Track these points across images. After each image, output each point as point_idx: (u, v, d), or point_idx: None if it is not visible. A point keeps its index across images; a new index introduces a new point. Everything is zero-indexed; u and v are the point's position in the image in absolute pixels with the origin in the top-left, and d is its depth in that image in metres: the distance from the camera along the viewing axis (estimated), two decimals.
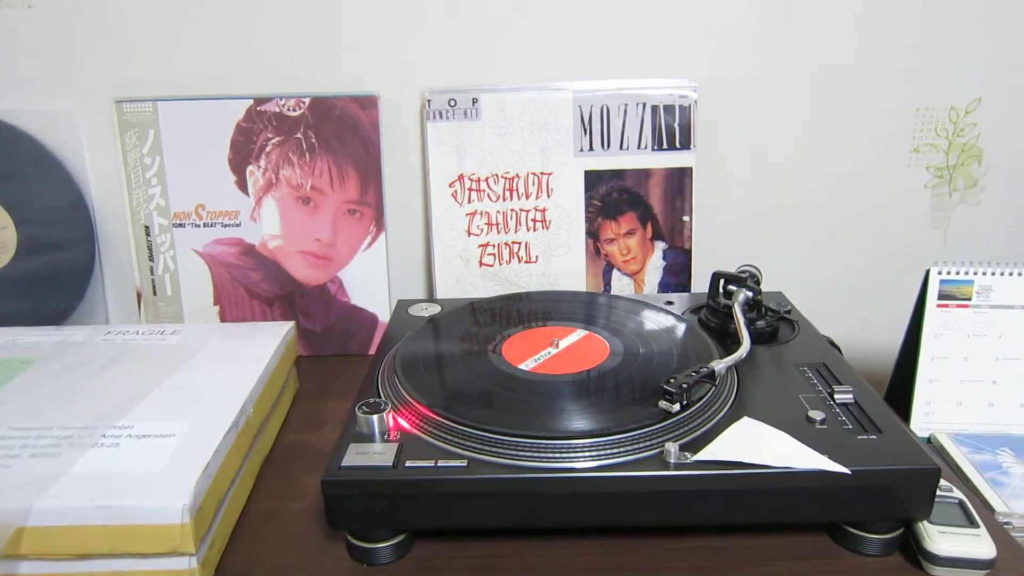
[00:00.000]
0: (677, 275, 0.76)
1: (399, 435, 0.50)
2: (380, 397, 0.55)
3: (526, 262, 0.76)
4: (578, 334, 0.62)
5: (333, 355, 0.78)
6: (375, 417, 0.50)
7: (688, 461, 0.46)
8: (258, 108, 0.73)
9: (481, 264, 0.76)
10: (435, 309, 0.71)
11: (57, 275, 0.80)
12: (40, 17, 0.74)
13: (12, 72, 0.76)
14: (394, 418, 0.51)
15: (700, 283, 0.76)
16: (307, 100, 0.73)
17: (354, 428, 0.51)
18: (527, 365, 0.57)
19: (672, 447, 0.46)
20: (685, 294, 0.73)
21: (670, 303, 0.70)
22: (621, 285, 0.76)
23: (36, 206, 0.78)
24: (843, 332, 0.65)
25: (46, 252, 0.79)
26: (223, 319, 0.78)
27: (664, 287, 0.76)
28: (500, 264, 0.76)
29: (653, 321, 0.64)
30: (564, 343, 0.60)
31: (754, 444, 0.47)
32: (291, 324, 0.68)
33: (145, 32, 0.75)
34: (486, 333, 0.62)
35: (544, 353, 0.58)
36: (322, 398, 0.70)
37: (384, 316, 0.78)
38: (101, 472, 0.47)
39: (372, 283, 0.77)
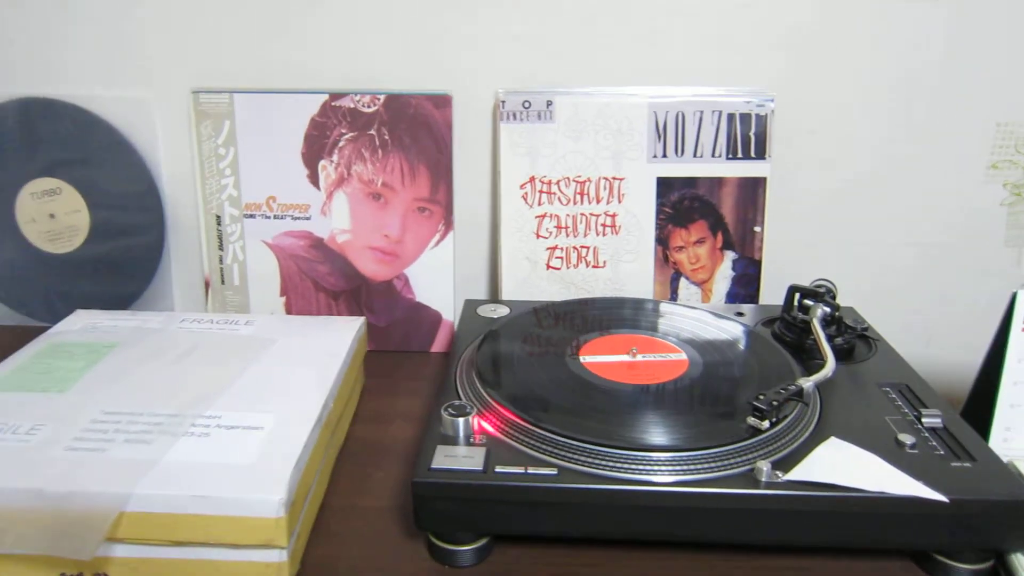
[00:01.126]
0: (746, 286, 0.76)
1: (483, 439, 0.50)
2: (460, 399, 0.55)
3: (593, 266, 0.76)
4: (654, 343, 0.62)
5: (395, 351, 0.78)
6: (461, 420, 0.50)
7: (780, 480, 0.46)
8: (333, 103, 0.74)
9: (548, 267, 0.76)
10: (504, 311, 0.71)
11: (126, 260, 0.81)
12: (122, 5, 0.75)
13: (93, 59, 0.77)
14: (478, 421, 0.52)
15: (768, 294, 0.76)
16: (382, 97, 0.74)
17: (438, 429, 0.51)
18: (608, 373, 0.57)
19: (764, 465, 0.46)
20: (754, 305, 0.73)
21: (740, 314, 0.70)
22: (688, 293, 0.76)
23: (109, 191, 0.79)
24: (907, 349, 0.64)
25: (117, 237, 0.80)
26: (289, 310, 0.78)
27: (732, 297, 0.76)
28: (567, 267, 0.76)
29: (730, 333, 0.64)
30: (642, 352, 0.60)
31: (846, 466, 0.47)
32: (362, 320, 0.69)
33: (224, 24, 0.75)
34: (562, 337, 0.62)
35: (623, 361, 0.58)
36: (388, 394, 0.70)
37: (448, 314, 0.78)
38: (195, 461, 0.47)
39: (438, 281, 0.77)
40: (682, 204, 0.74)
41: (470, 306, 0.72)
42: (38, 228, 0.80)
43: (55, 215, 0.80)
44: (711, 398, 0.54)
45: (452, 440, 0.50)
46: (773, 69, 0.74)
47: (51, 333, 0.65)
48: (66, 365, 0.59)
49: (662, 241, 0.75)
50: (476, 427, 0.51)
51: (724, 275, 0.76)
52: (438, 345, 0.79)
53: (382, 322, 0.78)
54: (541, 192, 0.75)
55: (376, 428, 0.65)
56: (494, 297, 0.82)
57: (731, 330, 0.64)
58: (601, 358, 0.59)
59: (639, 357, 0.59)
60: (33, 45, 0.77)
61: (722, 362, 0.59)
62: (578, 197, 0.75)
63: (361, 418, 0.66)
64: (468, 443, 0.50)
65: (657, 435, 0.49)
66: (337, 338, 0.65)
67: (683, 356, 0.60)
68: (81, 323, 0.67)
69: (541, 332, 0.64)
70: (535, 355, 0.60)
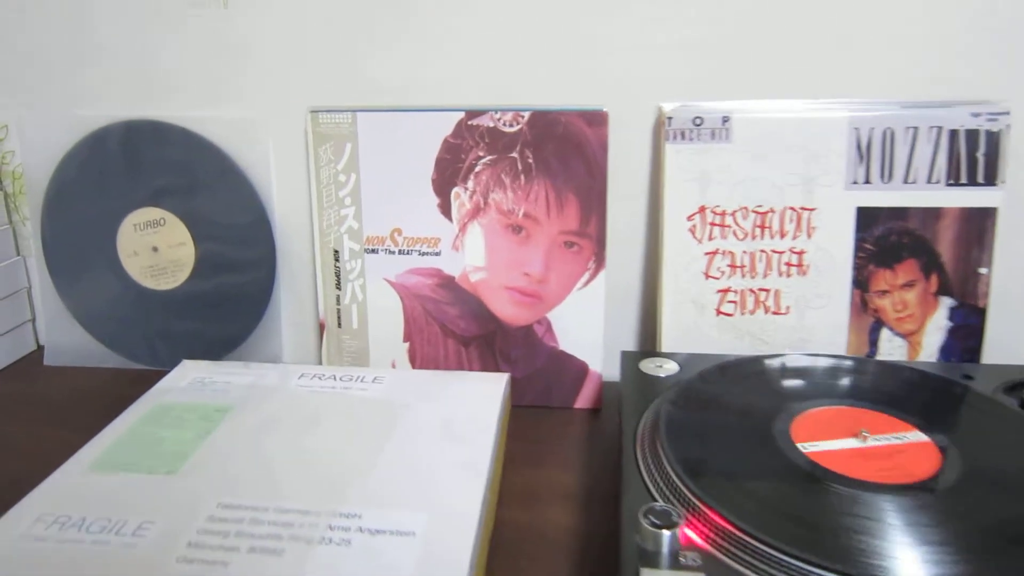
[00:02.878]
0: (964, 339, 0.62)
1: (696, 558, 0.39)
2: (650, 493, 0.44)
3: (774, 313, 0.64)
4: (882, 419, 0.49)
5: (533, 406, 0.68)
6: (668, 534, 0.39)
7: None
8: (469, 122, 0.64)
9: (719, 312, 0.64)
10: (671, 367, 0.60)
11: (233, 298, 0.73)
12: (234, 18, 0.67)
13: (201, 77, 0.69)
14: (684, 531, 0.40)
15: (992, 351, 0.62)
16: (526, 114, 0.63)
17: (633, 538, 0.40)
18: (839, 465, 0.44)
19: None
20: (984, 365, 0.59)
21: (969, 377, 0.56)
22: (891, 347, 0.63)
23: (217, 222, 0.71)
24: None
25: (223, 273, 0.72)
26: (412, 358, 0.69)
27: (946, 353, 0.63)
28: (742, 313, 0.64)
29: (976, 407, 0.51)
30: (874, 434, 0.47)
31: None
32: (507, 378, 0.59)
33: (344, 34, 0.66)
34: (764, 409, 0.51)
35: (852, 448, 0.46)
36: (533, 463, 0.60)
37: (595, 365, 0.67)
38: None
39: (586, 327, 0.66)
40: (888, 240, 0.62)
41: (629, 360, 0.61)
42: (140, 262, 0.73)
43: (158, 248, 0.72)
44: (995, 506, 0.41)
45: (654, 559, 0.39)
46: (1008, 77, 0.60)
47: (157, 391, 0.57)
48: (176, 436, 0.50)
49: (861, 284, 0.63)
50: (682, 537, 0.40)
51: (938, 326, 0.62)
52: (583, 400, 0.68)
53: (519, 373, 0.68)
54: (713, 225, 0.63)
55: (527, 510, 0.54)
56: (647, 346, 0.71)
57: (977, 403, 0.51)
58: (824, 442, 0.47)
59: (871, 441, 0.47)
60: (137, 63, 0.70)
61: (985, 448, 0.46)
62: (758, 231, 0.63)
63: (508, 495, 0.56)
64: (677, 563, 0.39)
65: (941, 564, 0.37)
66: (483, 402, 0.54)
67: (925, 439, 0.47)
68: (189, 377, 0.59)
69: (734, 399, 0.52)
70: (740, 436, 0.48)
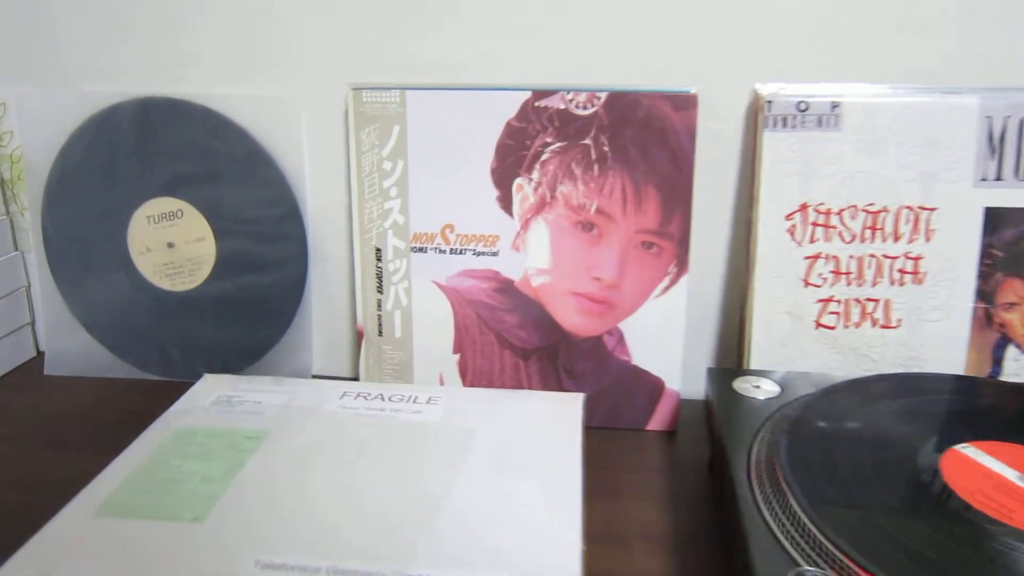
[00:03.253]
0: None
1: None
2: (784, 550, 0.36)
3: (883, 326, 0.56)
4: None
5: (601, 427, 0.60)
6: None
7: None
8: (537, 103, 0.56)
9: (818, 325, 0.56)
10: (772, 388, 0.52)
11: (258, 302, 0.64)
12: None
13: (226, 48, 0.61)
14: None
15: None
16: (603, 95, 0.55)
17: None
18: (1008, 515, 0.36)
19: None
20: None
21: None
22: (1018, 367, 0.55)
23: (241, 216, 0.63)
24: None
25: (248, 273, 0.64)
26: (463, 372, 0.61)
27: None
28: (845, 326, 0.56)
29: None
30: None
31: None
32: (582, 398, 0.51)
33: (393, 3, 0.58)
34: (904, 444, 0.43)
35: (1015, 487, 0.38)
36: (610, 496, 0.51)
37: (672, 382, 0.59)
38: None
39: (663, 339, 0.58)
40: (1019, 245, 0.54)
41: (719, 378, 0.53)
42: (154, 260, 0.65)
43: (175, 244, 0.64)
44: None
45: None
46: None
47: (177, 411, 0.49)
48: (200, 471, 0.42)
49: (985, 295, 0.55)
50: None
51: None
52: (657, 422, 0.60)
53: (585, 390, 0.59)
54: (815, 225, 0.55)
55: (612, 554, 0.46)
56: (726, 361, 0.63)
57: None
58: (974, 483, 0.39)
59: None
60: (153, 33, 0.62)
61: None
62: (868, 233, 0.55)
63: (589, 535, 0.47)
64: None
65: None
66: (559, 427, 0.47)
67: None
68: (213, 395, 0.51)
69: (869, 429, 0.44)
70: (885, 477, 0.40)
